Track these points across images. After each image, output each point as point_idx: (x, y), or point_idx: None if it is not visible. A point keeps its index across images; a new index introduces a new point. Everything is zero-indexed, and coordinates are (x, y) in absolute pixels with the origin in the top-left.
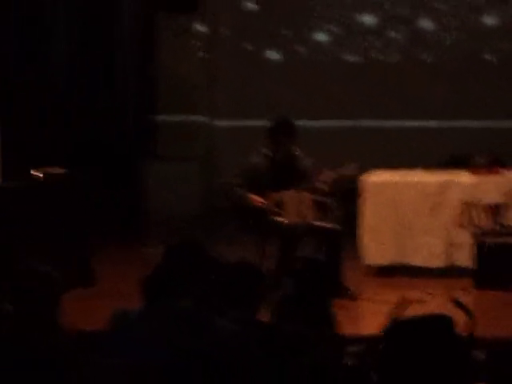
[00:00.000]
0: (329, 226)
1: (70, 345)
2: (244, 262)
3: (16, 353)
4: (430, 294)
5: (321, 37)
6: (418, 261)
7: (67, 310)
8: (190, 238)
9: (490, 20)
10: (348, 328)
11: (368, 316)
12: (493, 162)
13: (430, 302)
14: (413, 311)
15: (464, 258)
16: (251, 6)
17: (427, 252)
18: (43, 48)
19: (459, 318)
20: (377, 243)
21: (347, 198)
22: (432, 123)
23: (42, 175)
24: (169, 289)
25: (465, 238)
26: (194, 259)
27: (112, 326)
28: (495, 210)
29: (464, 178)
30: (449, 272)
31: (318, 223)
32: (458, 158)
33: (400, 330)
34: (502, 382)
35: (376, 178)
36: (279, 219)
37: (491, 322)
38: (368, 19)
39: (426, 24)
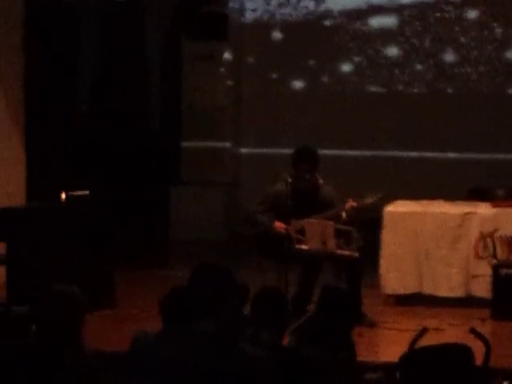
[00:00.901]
0: (350, 254)
1: (91, 365)
2: (269, 287)
3: (37, 372)
4: (449, 324)
5: (345, 67)
6: (436, 291)
7: (91, 331)
8: (211, 261)
9: None
10: (366, 355)
11: (386, 344)
12: None
13: (449, 331)
14: (431, 340)
15: (482, 288)
16: (278, 35)
17: (446, 282)
18: (72, 74)
19: (477, 347)
20: (397, 272)
21: (368, 227)
22: (453, 155)
23: (64, 197)
24: (190, 311)
25: (483, 270)
26: (217, 282)
27: (133, 348)
28: None
29: (484, 209)
30: (467, 302)
31: (339, 251)
32: (478, 190)
33: (418, 358)
34: None
35: (397, 208)
36: (301, 246)
37: (508, 352)
38: (392, 51)
39: (450, 57)
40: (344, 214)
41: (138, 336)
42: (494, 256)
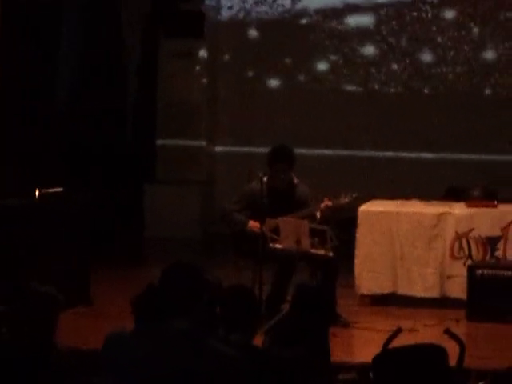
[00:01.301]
0: (324, 253)
1: (65, 363)
2: (240, 287)
3: (12, 371)
4: (423, 324)
5: (321, 66)
6: (411, 291)
7: (65, 328)
8: (186, 259)
9: (490, 55)
10: (341, 355)
11: (360, 344)
12: (488, 195)
13: (423, 332)
14: (405, 341)
15: (457, 289)
16: (254, 33)
17: (421, 282)
18: (49, 70)
19: (451, 348)
20: (371, 272)
21: (344, 226)
22: (429, 155)
23: (38, 193)
24: (163, 309)
25: (459, 270)
26: (189, 280)
27: (106, 347)
28: (489, 242)
29: (459, 210)
30: (442, 303)
31: (313, 250)
32: (454, 190)
33: (392, 358)
34: None
35: (372, 208)
36: (275, 245)
37: (482, 353)
38: (369, 50)
39: (426, 57)
40: (319, 214)
41: (110, 335)
42: (470, 256)
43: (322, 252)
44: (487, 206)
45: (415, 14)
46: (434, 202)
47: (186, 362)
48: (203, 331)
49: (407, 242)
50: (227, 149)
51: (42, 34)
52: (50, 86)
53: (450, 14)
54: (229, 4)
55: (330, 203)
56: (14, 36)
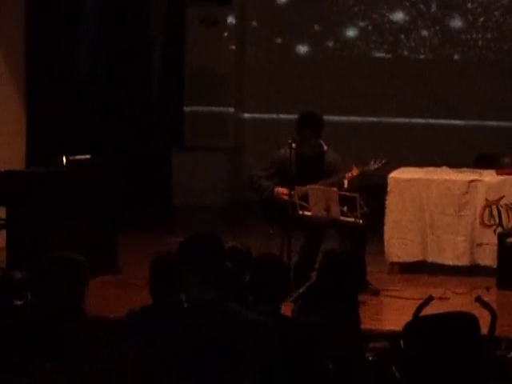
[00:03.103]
0: (354, 220)
1: (92, 332)
2: (269, 255)
3: (36, 338)
4: (454, 292)
5: (350, 33)
6: (441, 259)
7: (93, 296)
8: (213, 227)
9: None
10: (370, 323)
11: (390, 312)
12: None
13: (453, 300)
14: (436, 309)
15: (488, 257)
16: (281, 0)
17: (451, 250)
18: (74, 38)
19: (482, 316)
20: (401, 240)
21: (373, 193)
22: (459, 122)
23: (65, 161)
24: (180, 280)
25: (489, 238)
26: (208, 250)
27: (129, 322)
28: None
29: (489, 177)
30: (472, 271)
31: (343, 218)
32: (483, 158)
33: (422, 326)
34: None
35: (402, 175)
36: (304, 213)
37: None
38: (398, 16)
39: (456, 23)
40: (347, 181)
41: (130, 313)
42: (500, 224)
43: (351, 219)
44: None
45: None
46: (464, 169)
47: (210, 330)
48: (227, 299)
49: (437, 209)
50: (255, 115)
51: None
52: (75, 53)
53: None
54: None
55: (358, 170)
56: (39, 4)
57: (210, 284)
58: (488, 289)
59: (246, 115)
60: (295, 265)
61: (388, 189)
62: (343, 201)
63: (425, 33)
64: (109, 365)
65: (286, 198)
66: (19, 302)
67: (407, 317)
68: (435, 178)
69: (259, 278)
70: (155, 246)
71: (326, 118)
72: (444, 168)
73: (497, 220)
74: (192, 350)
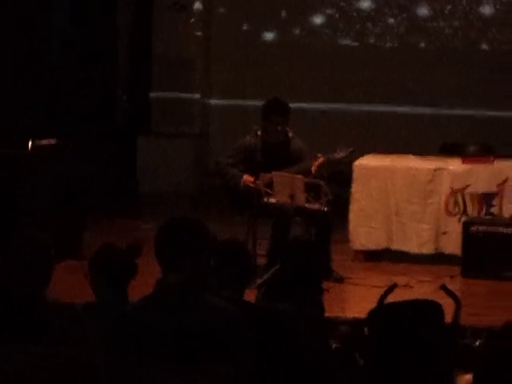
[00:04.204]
0: (319, 208)
1: (55, 316)
2: (233, 241)
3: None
4: (418, 280)
5: (317, 20)
6: (406, 247)
7: (56, 281)
8: (180, 213)
9: (487, 9)
10: (334, 311)
11: (354, 299)
12: (485, 151)
13: (418, 288)
14: (400, 297)
15: (452, 245)
16: None
17: (416, 238)
18: (40, 22)
19: (447, 305)
20: (366, 228)
21: (339, 181)
22: (425, 110)
23: (30, 145)
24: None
25: (454, 226)
26: (193, 235)
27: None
28: (485, 198)
29: (455, 165)
30: (437, 259)
31: (308, 205)
32: (449, 146)
33: (387, 313)
34: (489, 371)
35: (367, 162)
36: (269, 200)
37: (477, 310)
38: (365, 4)
39: (423, 11)
40: (314, 168)
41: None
42: (465, 212)
43: (316, 207)
44: (483, 162)
45: None
46: (430, 157)
47: (183, 317)
48: (200, 285)
49: (402, 197)
50: (222, 102)
51: None
52: (41, 38)
53: None
54: None
55: (325, 158)
56: None
57: (183, 269)
58: (452, 277)
59: (213, 101)
60: (267, 251)
61: (353, 176)
62: (308, 188)
63: (391, 21)
64: (71, 349)
65: (251, 184)
66: None
67: (371, 304)
68: (400, 165)
69: (223, 264)
70: (120, 233)
71: (292, 105)
72: (409, 156)
73: (462, 208)
74: (159, 337)
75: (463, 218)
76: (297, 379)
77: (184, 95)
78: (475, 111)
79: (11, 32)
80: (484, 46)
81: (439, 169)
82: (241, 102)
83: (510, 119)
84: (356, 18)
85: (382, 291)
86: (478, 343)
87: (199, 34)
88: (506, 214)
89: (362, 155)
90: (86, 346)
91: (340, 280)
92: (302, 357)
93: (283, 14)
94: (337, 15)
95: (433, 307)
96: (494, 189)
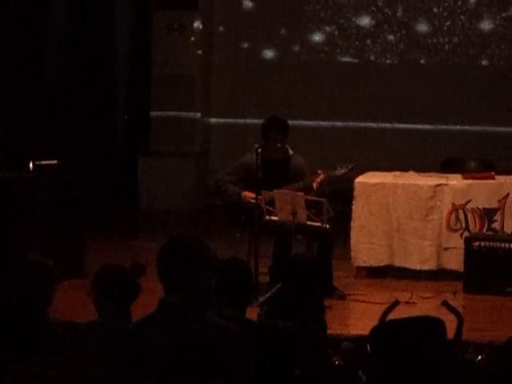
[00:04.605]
0: (320, 225)
1: (58, 335)
2: (234, 259)
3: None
4: (420, 296)
5: (316, 37)
6: (408, 263)
7: (59, 300)
8: (180, 232)
9: (487, 25)
10: (337, 328)
11: (357, 316)
12: (485, 167)
13: (420, 304)
14: (402, 313)
15: (454, 261)
16: (248, 4)
17: (418, 254)
18: (41, 41)
19: (449, 321)
20: (368, 244)
21: (340, 198)
22: (426, 126)
23: (31, 166)
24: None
25: (455, 242)
26: (194, 254)
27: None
28: (486, 214)
29: (456, 181)
30: (439, 275)
31: (310, 222)
32: (450, 162)
33: (389, 330)
34: None
35: (368, 180)
36: (271, 218)
37: (480, 326)
38: (364, 21)
39: (422, 27)
40: (315, 185)
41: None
42: (467, 228)
43: (318, 224)
44: (484, 178)
45: None
46: (431, 173)
47: (185, 336)
48: (201, 305)
49: (404, 213)
50: (222, 120)
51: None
52: (40, 57)
53: None
54: None
55: (325, 175)
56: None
57: (185, 288)
58: (455, 293)
59: (213, 120)
60: (269, 269)
61: (354, 193)
62: (310, 205)
63: (391, 37)
64: (71, 367)
65: (252, 202)
66: None
67: (374, 321)
68: (402, 182)
69: (224, 282)
70: (121, 252)
71: (292, 122)
72: (411, 172)
73: (463, 224)
74: (160, 355)
75: (465, 234)
76: None
77: (184, 114)
78: (476, 127)
79: (8, 51)
80: (484, 62)
81: (440, 185)
82: (241, 121)
83: (511, 134)
84: (355, 35)
85: (384, 308)
86: (479, 358)
87: (199, 52)
88: (507, 230)
89: (363, 172)
90: (86, 363)
91: (342, 297)
92: (303, 373)
93: (282, 31)
94: (336, 32)
95: (435, 324)
96: (495, 204)
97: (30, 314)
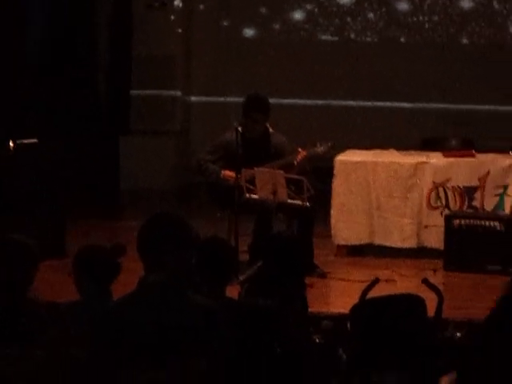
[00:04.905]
0: (301, 203)
1: (40, 315)
2: (215, 238)
3: None
4: (401, 274)
5: (297, 15)
6: (388, 241)
7: (40, 280)
8: (161, 210)
9: (466, 3)
10: (317, 306)
11: (337, 294)
12: (466, 145)
13: (400, 282)
14: (383, 291)
15: (434, 239)
16: None
17: (398, 233)
18: (19, 19)
19: (429, 299)
20: (348, 223)
21: (320, 176)
22: (406, 105)
23: (11, 145)
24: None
25: (436, 220)
26: (176, 231)
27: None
28: (466, 192)
29: (436, 159)
30: (419, 253)
31: (290, 201)
32: (430, 140)
33: (369, 308)
34: (469, 363)
35: (348, 158)
36: (251, 196)
37: (460, 303)
38: None
39: (403, 6)
40: (295, 163)
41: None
42: (447, 206)
43: (298, 202)
44: (464, 156)
45: None
46: (411, 151)
47: (166, 315)
48: (182, 283)
49: (384, 192)
50: (202, 99)
51: None
52: (21, 37)
53: None
54: None
55: (305, 153)
56: None
57: (165, 266)
58: (435, 271)
59: (193, 98)
60: (249, 246)
61: (334, 171)
62: (290, 184)
63: (371, 15)
64: (53, 348)
65: (232, 180)
66: None
67: (354, 299)
68: (382, 160)
69: (205, 260)
70: (103, 231)
71: (272, 100)
72: (391, 151)
73: (443, 202)
74: (141, 335)
75: (445, 212)
76: (279, 373)
77: (165, 92)
78: (456, 105)
79: None
80: (464, 40)
81: (420, 163)
82: (221, 99)
83: (491, 113)
84: (336, 13)
85: (364, 286)
86: (458, 335)
87: (179, 31)
88: (487, 207)
89: (343, 150)
90: (67, 344)
91: (323, 275)
92: (284, 351)
93: (263, 9)
94: (316, 10)
95: (415, 301)
96: (475, 182)
97: (11, 294)
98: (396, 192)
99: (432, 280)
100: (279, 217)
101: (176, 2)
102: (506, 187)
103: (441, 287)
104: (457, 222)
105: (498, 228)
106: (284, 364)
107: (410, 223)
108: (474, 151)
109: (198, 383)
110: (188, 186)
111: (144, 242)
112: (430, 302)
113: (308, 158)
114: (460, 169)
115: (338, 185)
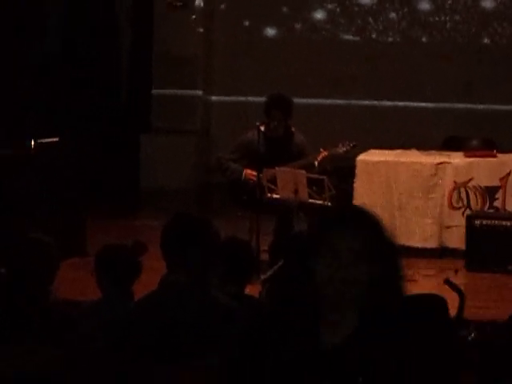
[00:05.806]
0: (322, 203)
1: (60, 314)
2: (235, 238)
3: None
4: (422, 274)
5: (318, 15)
6: (410, 241)
7: (61, 279)
8: (182, 210)
9: (488, 3)
10: None
11: None
12: (487, 145)
13: (422, 282)
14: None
15: (456, 239)
16: None
17: (420, 233)
18: (41, 20)
19: (451, 299)
20: None
21: (342, 176)
22: (427, 104)
23: (32, 144)
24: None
25: (457, 220)
26: (199, 231)
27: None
28: (488, 192)
29: (458, 159)
30: (441, 253)
31: (311, 200)
32: (452, 140)
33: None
34: (489, 364)
35: (370, 158)
36: (273, 195)
37: (481, 304)
38: None
39: (424, 5)
40: (317, 163)
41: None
42: (468, 206)
43: (319, 202)
44: (486, 156)
45: None
46: (433, 151)
47: (186, 313)
48: (204, 282)
49: (405, 192)
50: (223, 98)
51: None
52: (41, 36)
53: None
54: None
55: (327, 153)
56: None
57: (187, 265)
58: (456, 271)
59: (214, 98)
60: (269, 246)
61: (356, 171)
62: (311, 183)
63: (393, 15)
64: (72, 347)
65: (254, 180)
66: None
67: None
68: (403, 160)
69: (226, 260)
70: (123, 230)
71: (294, 100)
72: (413, 151)
73: (465, 202)
74: (163, 334)
75: (467, 212)
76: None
77: (186, 92)
78: (477, 105)
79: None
80: (485, 40)
81: (442, 163)
82: (242, 99)
83: None
84: (357, 13)
85: None
86: (473, 335)
87: (200, 30)
88: (509, 208)
89: (365, 150)
90: (87, 343)
91: None
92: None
93: (284, 9)
94: (338, 10)
95: (437, 301)
96: (496, 182)
97: (32, 293)
98: (417, 192)
99: (454, 280)
100: (300, 216)
101: (197, 2)
102: None
103: (462, 287)
104: (478, 222)
105: None
106: (299, 369)
107: (431, 223)
108: (495, 151)
109: (219, 382)
110: (208, 186)
111: (167, 241)
112: (452, 302)
113: (329, 158)
114: (481, 169)
115: (359, 185)
